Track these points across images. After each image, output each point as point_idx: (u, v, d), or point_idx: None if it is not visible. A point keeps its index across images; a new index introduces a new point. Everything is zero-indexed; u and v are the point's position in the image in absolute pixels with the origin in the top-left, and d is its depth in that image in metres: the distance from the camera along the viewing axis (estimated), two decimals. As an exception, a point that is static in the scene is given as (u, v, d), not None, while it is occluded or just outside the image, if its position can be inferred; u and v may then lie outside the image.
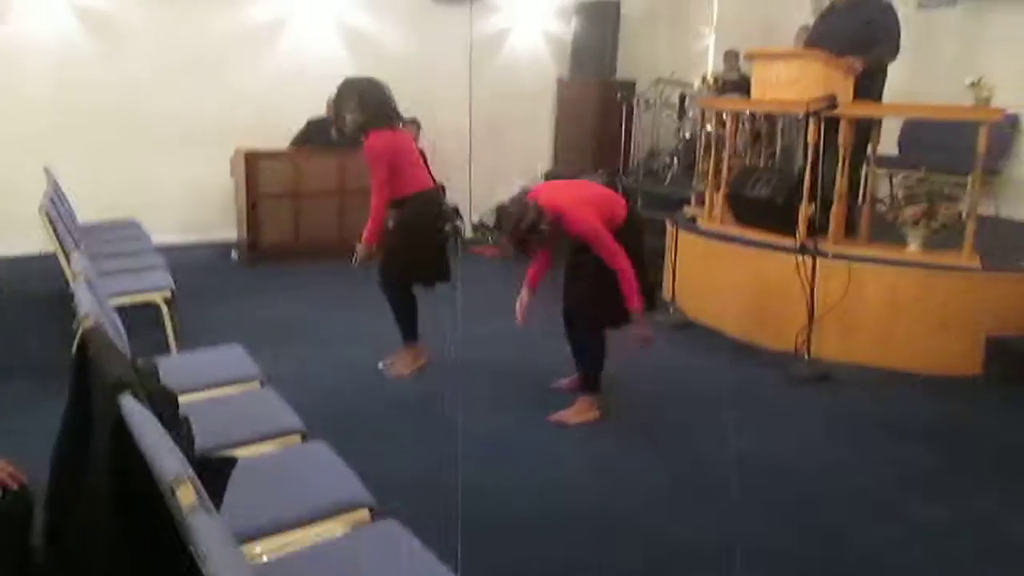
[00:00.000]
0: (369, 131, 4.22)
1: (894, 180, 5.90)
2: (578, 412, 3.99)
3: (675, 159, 8.30)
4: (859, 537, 3.02)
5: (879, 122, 5.23)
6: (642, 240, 4.03)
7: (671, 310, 5.65)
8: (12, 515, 2.01)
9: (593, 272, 3.82)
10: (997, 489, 3.42)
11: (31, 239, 5.92)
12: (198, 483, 1.39)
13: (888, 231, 5.12)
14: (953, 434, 3.95)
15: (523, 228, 3.69)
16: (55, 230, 4.13)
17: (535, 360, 4.68)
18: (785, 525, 3.09)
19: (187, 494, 1.34)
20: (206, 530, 1.26)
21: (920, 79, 6.51)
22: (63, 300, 5.12)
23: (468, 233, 8.49)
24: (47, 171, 5.40)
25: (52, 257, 4.34)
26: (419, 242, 4.35)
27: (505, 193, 8.66)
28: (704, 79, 8.10)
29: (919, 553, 2.92)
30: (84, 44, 6.96)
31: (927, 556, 2.91)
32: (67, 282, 3.99)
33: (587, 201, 3.82)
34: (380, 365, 4.52)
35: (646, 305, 3.90)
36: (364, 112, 4.21)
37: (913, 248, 4.90)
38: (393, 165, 4.22)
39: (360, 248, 4.27)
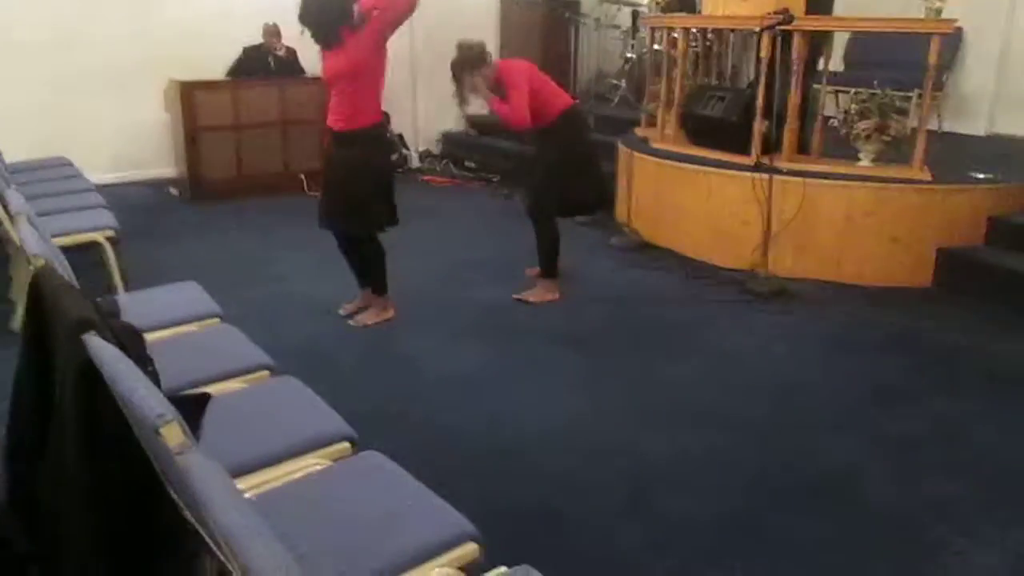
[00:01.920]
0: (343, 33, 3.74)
1: (842, 96, 5.91)
2: (540, 293, 4.52)
3: (623, 81, 8.19)
4: (828, 452, 3.06)
5: (831, 37, 5.19)
6: (584, 139, 4.68)
7: (627, 232, 5.63)
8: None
9: (544, 169, 4.49)
10: (954, 397, 3.50)
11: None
12: (183, 422, 1.31)
13: (840, 148, 5.14)
14: (908, 345, 4.04)
15: (469, 59, 4.26)
16: (-17, 169, 3.89)
17: (496, 288, 4.64)
18: (754, 441, 3.13)
19: (174, 434, 1.26)
20: (200, 470, 1.19)
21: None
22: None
23: (415, 163, 8.32)
24: (-33, 107, 5.08)
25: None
26: (369, 183, 3.96)
27: (451, 121, 8.50)
28: (652, -3, 7.94)
29: (889, 464, 2.97)
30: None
31: (896, 467, 2.96)
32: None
33: (533, 75, 4.35)
34: (341, 311, 4.29)
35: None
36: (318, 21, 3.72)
37: (865, 163, 4.93)
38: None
39: None
